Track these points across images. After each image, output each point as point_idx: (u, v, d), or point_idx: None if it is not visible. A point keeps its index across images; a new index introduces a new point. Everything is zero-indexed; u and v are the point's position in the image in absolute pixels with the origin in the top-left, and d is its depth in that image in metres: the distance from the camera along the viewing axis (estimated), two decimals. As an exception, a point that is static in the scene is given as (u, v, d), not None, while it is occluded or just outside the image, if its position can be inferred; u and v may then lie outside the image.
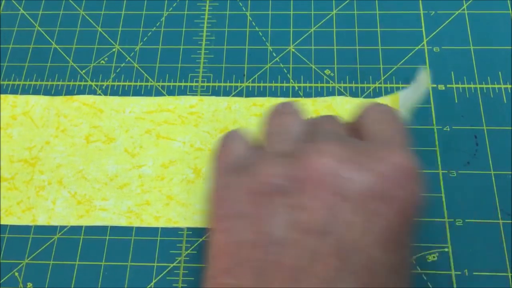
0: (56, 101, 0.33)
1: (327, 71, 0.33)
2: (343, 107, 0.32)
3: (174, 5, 0.37)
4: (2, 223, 0.30)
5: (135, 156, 0.31)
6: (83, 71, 0.35)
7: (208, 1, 0.37)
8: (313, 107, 0.32)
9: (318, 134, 0.20)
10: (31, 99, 0.33)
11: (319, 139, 0.19)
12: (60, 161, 0.31)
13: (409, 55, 0.33)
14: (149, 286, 0.28)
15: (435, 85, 0.32)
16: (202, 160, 0.31)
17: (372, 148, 0.19)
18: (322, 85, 0.33)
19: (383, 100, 0.31)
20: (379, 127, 0.21)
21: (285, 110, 0.24)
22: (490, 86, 0.32)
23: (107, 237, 0.29)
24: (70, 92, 0.34)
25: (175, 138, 0.31)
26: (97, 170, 0.31)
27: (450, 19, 0.35)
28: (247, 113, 0.32)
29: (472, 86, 0.32)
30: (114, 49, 0.35)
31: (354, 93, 0.32)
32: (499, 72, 0.32)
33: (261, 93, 0.33)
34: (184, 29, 0.36)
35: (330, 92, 0.33)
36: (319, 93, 0.33)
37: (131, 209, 0.29)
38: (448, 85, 0.32)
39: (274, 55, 0.34)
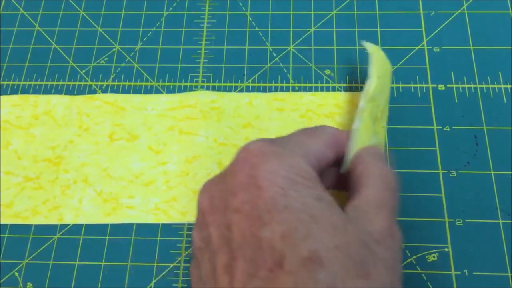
0: (78, 100, 0.33)
1: (327, 71, 0.33)
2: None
3: (174, 5, 0.37)
4: (29, 223, 0.30)
5: (159, 153, 0.31)
6: (83, 71, 0.35)
7: (208, 1, 0.37)
8: (335, 100, 0.32)
9: None
10: (52, 99, 0.33)
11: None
12: (84, 159, 0.31)
13: (409, 55, 0.33)
14: (149, 286, 0.28)
15: (435, 85, 0.32)
16: (226, 155, 0.31)
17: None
18: (322, 85, 0.33)
19: None
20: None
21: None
22: (490, 86, 0.32)
23: (107, 237, 0.29)
24: (70, 92, 0.34)
25: (198, 133, 0.31)
26: (121, 168, 0.31)
27: (450, 19, 0.35)
28: (269, 108, 0.32)
29: (472, 86, 0.32)
30: (114, 49, 0.35)
31: (354, 93, 0.32)
32: (499, 72, 0.32)
33: (261, 93, 0.33)
34: (184, 29, 0.36)
35: (330, 92, 0.33)
36: (319, 93, 0.33)
37: (158, 206, 0.30)
38: (448, 85, 0.32)
39: (274, 55, 0.34)
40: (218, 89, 0.33)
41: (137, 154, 0.31)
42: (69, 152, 0.31)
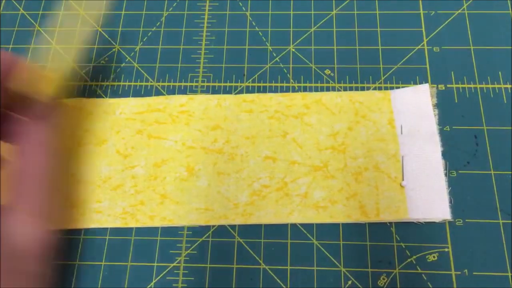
0: None
1: (327, 71, 0.33)
2: (333, 101, 0.32)
3: (174, 5, 0.37)
4: None
5: (127, 157, 0.31)
6: (83, 71, 0.35)
7: (208, 1, 0.37)
8: (303, 101, 0.32)
9: None
10: None
11: None
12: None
13: (409, 55, 0.33)
14: (149, 286, 0.28)
15: (435, 85, 0.32)
16: (194, 158, 0.31)
17: None
18: (322, 85, 0.33)
19: (373, 94, 0.31)
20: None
21: None
22: (490, 86, 0.32)
23: (107, 237, 0.29)
24: (70, 92, 0.34)
25: (167, 137, 0.31)
26: (88, 174, 0.31)
27: (450, 19, 0.35)
28: (238, 110, 0.32)
29: (472, 86, 0.32)
30: (114, 49, 0.35)
31: (354, 93, 0.32)
32: (499, 72, 0.32)
33: (261, 93, 0.33)
34: (184, 29, 0.36)
35: (330, 92, 0.33)
36: (319, 93, 0.33)
37: (126, 210, 0.29)
38: (448, 85, 0.32)
39: (274, 55, 0.34)
40: (218, 89, 0.33)
41: (105, 159, 0.31)
42: None
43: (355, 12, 0.35)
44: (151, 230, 0.29)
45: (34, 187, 0.17)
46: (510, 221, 0.28)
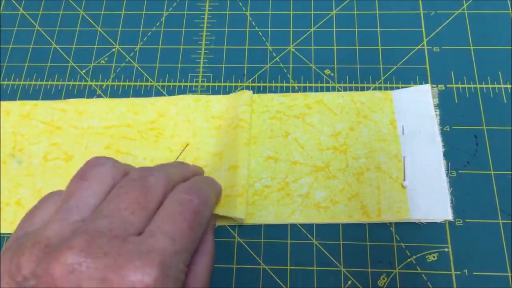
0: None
1: (327, 71, 0.33)
2: (335, 101, 0.32)
3: (174, 5, 0.37)
4: None
5: None
6: (83, 71, 0.35)
7: (208, 1, 0.37)
8: (305, 101, 0.32)
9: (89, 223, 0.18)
10: None
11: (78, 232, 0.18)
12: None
13: (409, 55, 0.33)
14: (149, 286, 0.28)
15: (435, 85, 0.32)
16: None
17: (125, 255, 0.17)
18: (322, 85, 0.33)
19: (374, 94, 0.31)
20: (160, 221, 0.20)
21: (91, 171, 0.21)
22: (490, 86, 0.32)
23: (107, 237, 0.29)
24: (70, 92, 0.34)
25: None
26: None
27: (450, 19, 0.35)
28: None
29: (472, 86, 0.32)
30: (114, 49, 0.35)
31: (354, 93, 0.32)
32: (499, 72, 0.32)
33: (261, 93, 0.33)
34: (184, 29, 0.36)
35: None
36: (319, 93, 0.33)
37: None
38: (448, 85, 0.32)
39: (274, 55, 0.34)
40: (218, 89, 0.33)
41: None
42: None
43: (355, 12, 0.35)
44: (151, 230, 0.29)
45: (202, 284, 0.22)
46: (510, 221, 0.28)
